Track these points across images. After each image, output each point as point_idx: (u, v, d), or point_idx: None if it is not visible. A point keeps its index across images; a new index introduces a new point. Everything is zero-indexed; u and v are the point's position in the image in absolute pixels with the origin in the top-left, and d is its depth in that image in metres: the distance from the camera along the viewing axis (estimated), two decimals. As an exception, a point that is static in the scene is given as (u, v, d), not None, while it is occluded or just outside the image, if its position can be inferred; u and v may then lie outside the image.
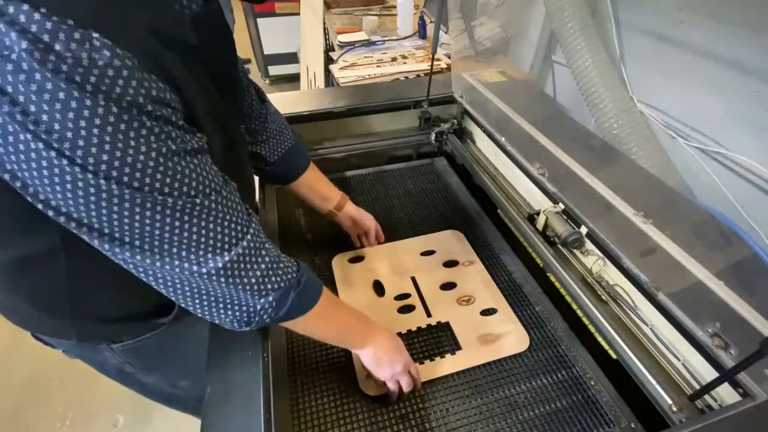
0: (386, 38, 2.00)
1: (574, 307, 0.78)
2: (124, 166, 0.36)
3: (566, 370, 0.74)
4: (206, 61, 0.50)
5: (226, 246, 0.46)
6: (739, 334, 0.55)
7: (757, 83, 0.70)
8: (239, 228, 0.47)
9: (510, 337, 0.78)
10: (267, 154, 0.80)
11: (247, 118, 0.76)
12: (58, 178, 0.35)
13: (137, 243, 0.41)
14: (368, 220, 0.93)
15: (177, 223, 0.41)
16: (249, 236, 0.48)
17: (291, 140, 0.83)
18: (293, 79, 3.36)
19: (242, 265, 0.48)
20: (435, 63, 1.34)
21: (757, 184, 0.73)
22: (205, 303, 0.49)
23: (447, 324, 0.81)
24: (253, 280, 0.49)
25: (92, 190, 0.36)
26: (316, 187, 0.87)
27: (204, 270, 0.45)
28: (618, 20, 0.94)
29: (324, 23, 2.17)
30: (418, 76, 1.64)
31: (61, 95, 0.32)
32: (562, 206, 0.83)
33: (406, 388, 0.67)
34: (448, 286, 0.89)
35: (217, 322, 0.51)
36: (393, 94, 1.21)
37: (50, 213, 0.38)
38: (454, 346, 0.77)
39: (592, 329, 0.75)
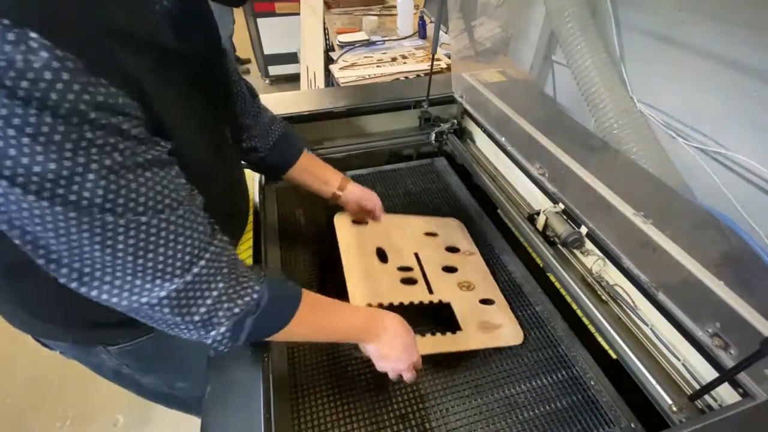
0: (386, 38, 2.00)
1: (574, 307, 0.78)
2: (59, 179, 0.33)
3: (566, 370, 0.74)
4: (187, 62, 0.47)
5: (176, 272, 0.41)
6: (739, 334, 0.55)
7: (757, 83, 0.70)
8: (193, 251, 0.43)
9: (507, 329, 0.79)
10: (260, 146, 0.78)
11: (240, 115, 0.74)
12: None
13: (74, 266, 0.38)
14: (372, 199, 0.90)
15: (119, 246, 0.38)
16: (203, 261, 0.44)
17: (281, 129, 0.80)
18: (293, 79, 3.36)
19: (190, 293, 0.43)
20: (435, 63, 1.34)
21: (757, 184, 0.73)
22: (163, 327, 0.45)
23: (448, 305, 0.81)
24: (203, 309, 0.44)
25: (24, 205, 0.33)
26: (313, 171, 0.84)
27: (144, 300, 0.41)
28: (618, 20, 0.94)
29: (324, 23, 2.17)
30: (418, 76, 1.64)
31: None
32: (562, 206, 0.83)
33: (407, 380, 0.66)
34: (450, 270, 0.89)
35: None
36: (393, 94, 1.21)
37: None
38: (455, 327, 0.77)
39: (592, 329, 0.75)
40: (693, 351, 0.60)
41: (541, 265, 0.86)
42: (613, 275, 0.74)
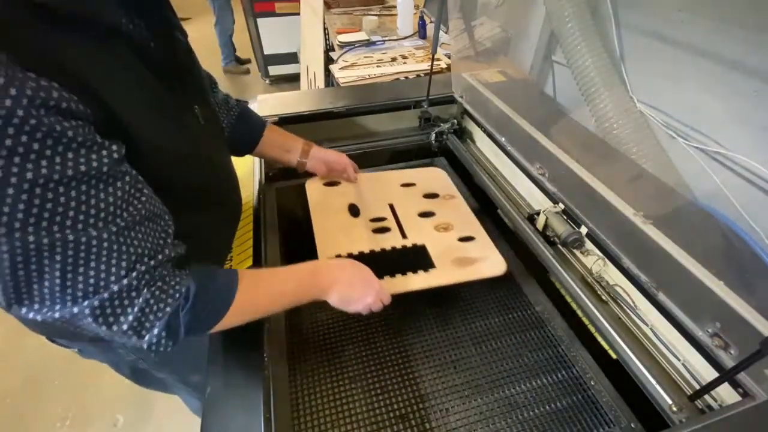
0: (386, 38, 2.00)
1: (574, 307, 0.78)
2: None
3: (566, 370, 0.74)
4: (140, 46, 0.45)
5: (99, 288, 0.40)
6: (739, 334, 0.55)
7: (757, 83, 0.70)
8: (120, 266, 0.41)
9: (487, 262, 0.78)
10: (227, 122, 0.76)
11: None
12: None
13: None
14: (340, 160, 0.89)
15: (43, 264, 0.35)
16: (134, 273, 0.42)
17: (239, 107, 0.79)
18: (293, 79, 3.36)
19: (116, 303, 0.41)
20: (435, 63, 1.34)
21: (757, 184, 0.73)
22: (92, 333, 0.43)
23: (423, 246, 0.80)
24: (130, 318, 0.43)
25: None
26: (277, 142, 0.83)
27: (65, 314, 0.39)
28: (618, 20, 0.94)
29: (324, 23, 2.17)
30: (418, 76, 1.64)
31: None
32: (562, 206, 0.83)
33: (376, 310, 0.66)
34: (427, 215, 0.89)
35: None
36: (393, 94, 1.21)
37: None
38: (428, 265, 0.76)
39: (592, 329, 0.75)
40: (693, 351, 0.60)
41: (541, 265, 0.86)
42: (613, 275, 0.74)
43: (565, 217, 0.82)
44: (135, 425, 1.49)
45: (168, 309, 0.45)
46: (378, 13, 2.35)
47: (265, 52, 3.42)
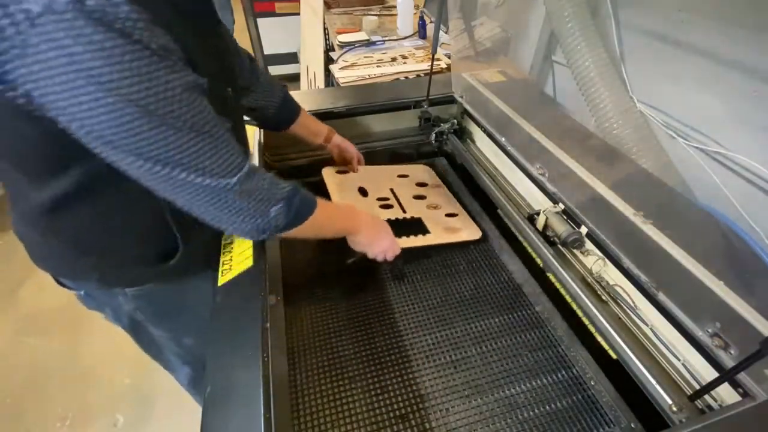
0: (386, 38, 2.00)
1: (574, 307, 0.78)
2: (150, 96, 0.43)
3: (566, 370, 0.74)
4: (193, 23, 0.56)
5: (236, 165, 0.54)
6: (739, 334, 0.55)
7: (757, 83, 0.70)
8: (240, 155, 0.55)
9: (467, 230, 1.02)
10: (268, 104, 0.91)
11: (242, 78, 0.84)
12: (102, 108, 0.42)
13: (166, 160, 0.48)
14: (350, 149, 1.06)
15: (195, 145, 0.49)
16: (248, 163, 0.56)
17: (282, 89, 0.94)
18: (293, 79, 3.35)
19: (251, 182, 0.56)
20: (435, 63, 1.34)
21: (757, 184, 0.73)
22: (227, 214, 0.56)
23: (419, 219, 1.02)
24: (263, 193, 0.58)
25: (128, 117, 0.43)
26: (308, 125, 1.00)
27: (222, 184, 0.53)
28: (618, 20, 0.94)
29: (324, 23, 2.17)
30: (418, 76, 1.64)
31: (98, 37, 0.39)
32: (562, 206, 0.83)
33: (389, 259, 0.83)
34: (420, 197, 1.11)
35: (238, 233, 0.60)
36: (393, 94, 1.21)
37: (100, 146, 0.45)
38: (424, 231, 0.98)
39: (592, 329, 0.75)
40: (693, 351, 0.60)
41: (541, 265, 0.86)
42: (613, 275, 0.74)
43: (565, 217, 0.82)
44: (135, 425, 1.49)
45: (286, 191, 0.61)
46: (378, 13, 2.35)
47: (265, 52, 3.41)
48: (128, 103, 0.43)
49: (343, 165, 1.09)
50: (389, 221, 0.97)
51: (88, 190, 0.58)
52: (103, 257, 0.69)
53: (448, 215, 1.06)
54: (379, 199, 1.06)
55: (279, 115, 0.94)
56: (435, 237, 0.97)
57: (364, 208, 1.00)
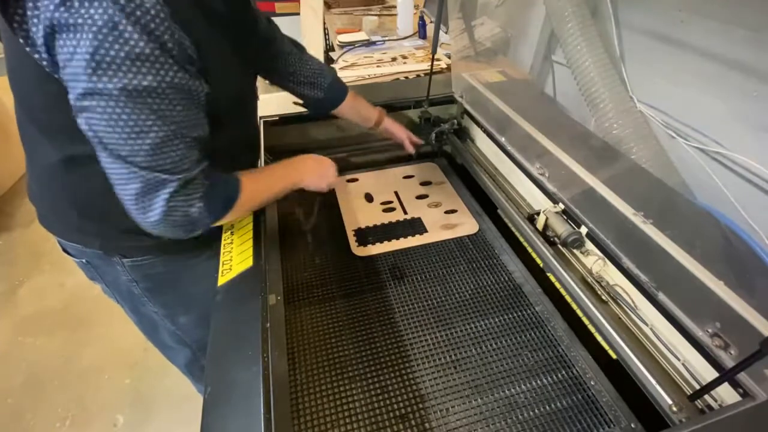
0: (386, 38, 2.00)
1: (574, 307, 0.78)
2: (129, 85, 0.50)
3: (566, 370, 0.74)
4: (226, 23, 0.64)
5: (176, 170, 0.57)
6: (739, 334, 0.55)
7: (757, 83, 0.70)
8: (191, 160, 0.59)
9: (464, 226, 1.05)
10: (317, 87, 0.96)
11: (288, 62, 0.93)
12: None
13: (112, 148, 0.53)
14: (399, 134, 1.10)
15: (150, 140, 0.54)
16: (197, 170, 0.61)
17: (332, 73, 0.98)
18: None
19: (189, 188, 0.60)
20: (435, 63, 1.34)
21: (757, 184, 0.73)
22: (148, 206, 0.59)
23: (419, 218, 1.08)
24: (201, 194, 0.62)
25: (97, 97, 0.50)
26: (358, 108, 1.04)
27: (160, 179, 0.57)
28: (618, 20, 0.94)
29: (324, 23, 2.17)
30: (418, 76, 1.64)
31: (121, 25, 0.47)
32: (562, 206, 0.83)
33: (334, 184, 0.89)
34: (422, 197, 1.16)
35: (151, 228, 0.61)
36: (393, 94, 1.21)
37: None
38: (423, 230, 1.04)
39: (592, 329, 0.75)
40: (693, 351, 0.60)
41: (541, 265, 0.86)
42: (613, 275, 0.74)
43: (565, 217, 0.82)
44: (135, 425, 1.49)
45: (203, 187, 0.62)
46: (378, 13, 2.35)
47: (265, 52, 3.41)
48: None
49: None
50: (389, 224, 1.06)
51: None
52: (106, 223, 0.74)
53: (448, 212, 1.10)
54: (382, 204, 1.13)
55: (328, 95, 0.98)
56: (432, 235, 1.03)
57: (369, 214, 1.10)
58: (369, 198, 1.15)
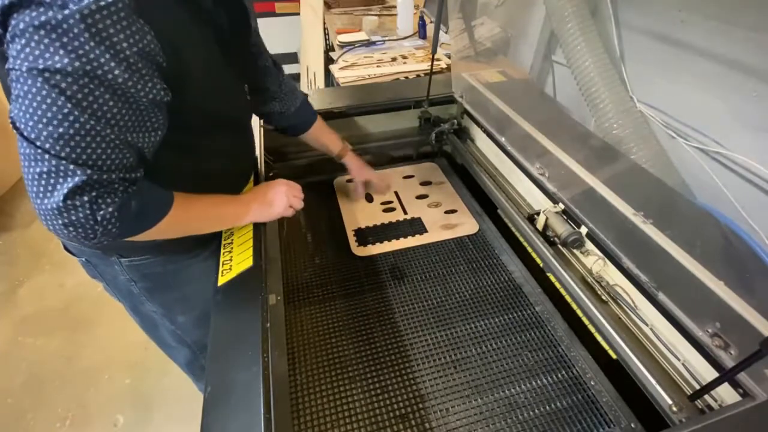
0: (386, 38, 2.00)
1: (574, 307, 0.78)
2: (56, 71, 0.46)
3: (566, 370, 0.74)
4: (218, 26, 0.61)
5: (88, 164, 0.51)
6: (739, 334, 0.55)
7: (757, 83, 0.70)
8: (117, 163, 0.53)
9: (464, 226, 1.05)
10: (284, 109, 0.94)
11: (265, 81, 0.90)
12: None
13: (22, 129, 0.49)
14: (356, 175, 1.10)
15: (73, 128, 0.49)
16: (118, 173, 0.54)
17: (301, 97, 0.98)
18: (293, 79, 3.36)
19: (97, 189, 0.53)
20: (435, 63, 1.34)
21: (757, 184, 0.73)
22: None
23: (419, 218, 1.08)
24: (112, 202, 0.54)
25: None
26: (320, 139, 1.03)
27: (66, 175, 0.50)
28: (618, 20, 0.94)
29: (324, 23, 2.17)
30: (418, 76, 1.64)
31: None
32: (562, 206, 0.83)
33: (297, 207, 0.83)
34: (422, 197, 1.16)
35: (63, 235, 0.54)
36: (393, 94, 1.21)
37: None
38: (423, 230, 1.04)
39: (592, 329, 0.75)
40: (693, 351, 0.60)
41: (541, 265, 0.86)
42: (613, 275, 0.74)
43: (565, 217, 0.82)
44: (135, 425, 1.49)
45: (117, 199, 0.55)
46: (378, 13, 2.35)
47: (265, 52, 3.41)
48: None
49: (359, 185, 1.13)
50: (389, 224, 1.06)
51: None
52: None
53: (448, 212, 1.10)
54: (383, 204, 1.13)
55: (292, 119, 0.97)
56: (432, 235, 1.03)
57: (369, 214, 1.10)
58: (369, 198, 1.15)
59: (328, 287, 0.90)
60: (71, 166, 0.51)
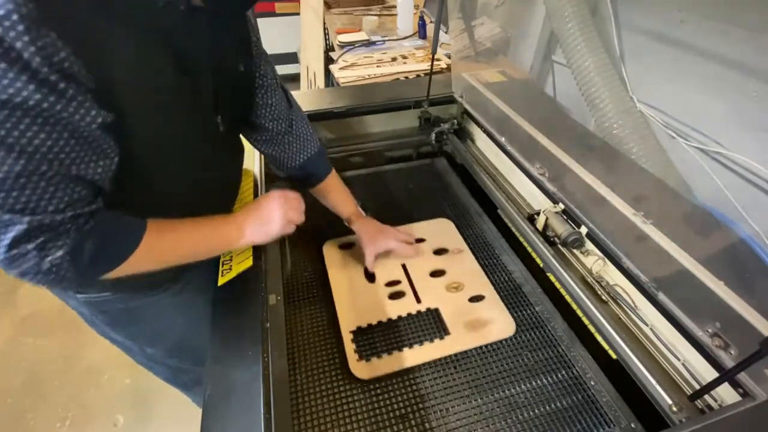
0: (386, 38, 2.00)
1: (574, 307, 0.78)
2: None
3: (566, 370, 0.74)
4: (180, 49, 0.52)
5: (27, 210, 0.44)
6: (739, 334, 0.55)
7: (757, 83, 0.70)
8: (61, 199, 0.46)
9: (496, 324, 0.81)
10: (287, 161, 0.83)
11: (270, 119, 0.77)
12: None
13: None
14: (365, 247, 0.89)
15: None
16: (67, 212, 0.47)
17: (314, 149, 0.84)
18: (293, 79, 3.35)
19: (44, 234, 0.46)
20: (435, 63, 1.34)
21: (757, 184, 0.73)
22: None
23: (436, 310, 0.83)
24: (61, 246, 0.47)
25: None
26: (327, 197, 0.90)
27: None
28: (618, 20, 0.94)
29: (324, 23, 2.17)
30: (418, 76, 1.64)
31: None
32: (562, 206, 0.83)
33: (299, 220, 0.74)
34: (438, 273, 0.91)
35: (28, 282, 0.49)
36: (393, 94, 1.21)
37: None
38: (443, 332, 0.79)
39: (592, 329, 0.75)
40: (693, 351, 0.60)
41: (541, 265, 0.86)
42: (613, 275, 0.74)
43: (565, 217, 0.82)
44: (135, 425, 1.49)
45: (69, 240, 0.48)
46: (378, 13, 2.35)
47: (265, 52, 3.41)
48: None
49: (370, 255, 0.90)
50: (399, 320, 0.81)
51: None
52: None
53: (473, 299, 0.85)
54: (388, 285, 0.88)
55: (302, 173, 0.85)
56: (455, 340, 0.77)
57: (372, 296, 0.86)
58: (371, 277, 0.90)
59: (328, 287, 0.90)
60: (6, 216, 0.44)
